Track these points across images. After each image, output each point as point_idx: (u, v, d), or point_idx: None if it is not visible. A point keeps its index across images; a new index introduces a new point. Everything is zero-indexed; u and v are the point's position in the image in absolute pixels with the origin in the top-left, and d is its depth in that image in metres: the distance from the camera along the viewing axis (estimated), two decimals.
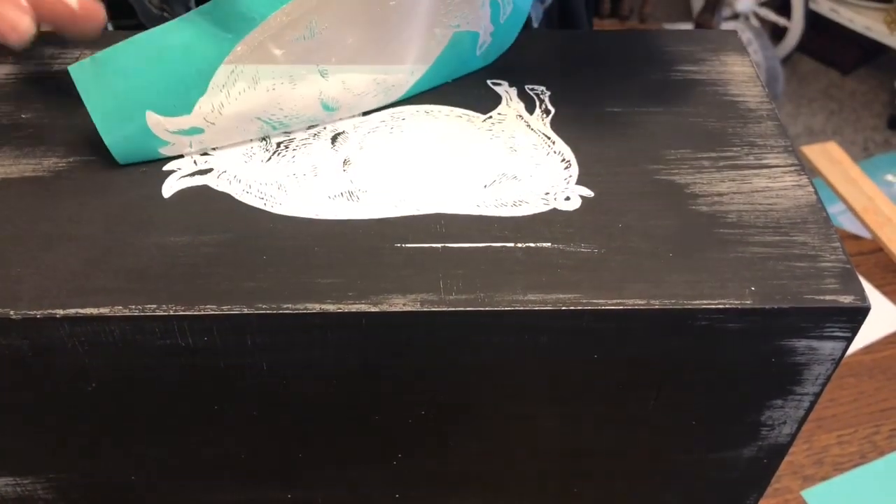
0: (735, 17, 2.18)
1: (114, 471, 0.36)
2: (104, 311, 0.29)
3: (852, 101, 2.15)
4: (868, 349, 0.66)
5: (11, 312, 0.29)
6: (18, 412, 0.33)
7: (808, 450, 0.59)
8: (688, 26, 2.00)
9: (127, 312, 0.29)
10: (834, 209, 0.85)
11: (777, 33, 2.27)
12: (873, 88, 2.19)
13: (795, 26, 2.18)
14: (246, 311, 0.29)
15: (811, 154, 0.86)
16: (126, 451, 0.35)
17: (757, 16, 2.26)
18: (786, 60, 2.24)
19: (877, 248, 0.77)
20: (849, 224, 0.83)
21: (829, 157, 0.86)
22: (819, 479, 0.58)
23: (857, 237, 0.79)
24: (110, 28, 0.53)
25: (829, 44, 2.23)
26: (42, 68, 0.40)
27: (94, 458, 0.36)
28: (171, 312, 0.29)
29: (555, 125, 0.38)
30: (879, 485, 0.58)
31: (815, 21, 2.17)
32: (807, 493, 0.57)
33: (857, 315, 0.30)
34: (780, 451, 0.37)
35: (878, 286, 0.72)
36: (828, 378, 0.33)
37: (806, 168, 0.36)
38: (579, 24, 0.74)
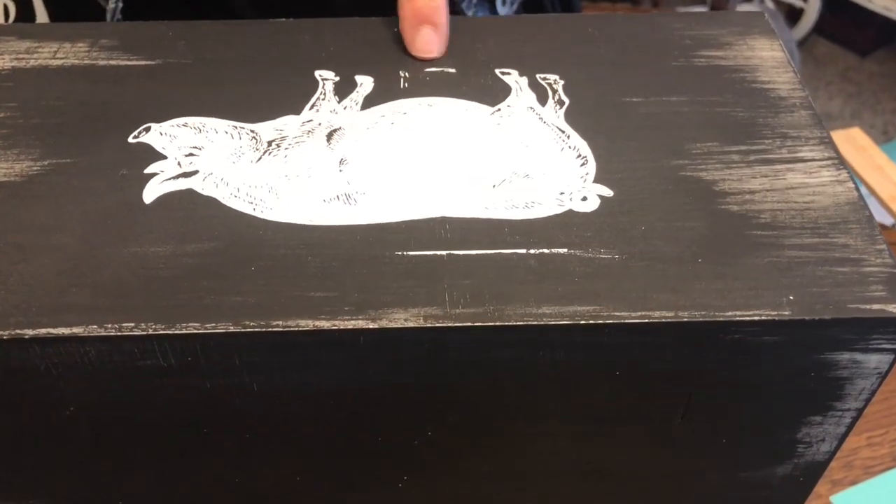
0: None
1: (98, 497, 0.34)
2: (77, 331, 0.27)
3: (871, 84, 2.11)
4: None
5: None
6: None
7: (837, 452, 0.57)
8: (703, 10, 1.97)
9: (102, 332, 0.27)
10: None
11: (793, 15, 2.23)
12: (892, 70, 2.15)
13: (812, 7, 2.15)
14: (232, 329, 0.27)
15: (835, 140, 0.83)
16: (111, 477, 0.33)
17: None
18: (802, 43, 2.20)
19: None
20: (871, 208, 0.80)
21: (853, 143, 0.83)
22: (848, 484, 0.56)
23: (882, 226, 0.76)
24: (119, 14, 0.49)
25: (846, 25, 2.19)
26: (17, 64, 0.37)
27: (77, 484, 0.34)
28: (150, 332, 0.27)
29: (569, 117, 0.35)
30: None
31: (832, 2, 2.14)
32: (836, 498, 0.55)
33: None
34: (817, 468, 0.34)
35: None
36: (873, 392, 0.30)
37: (844, 162, 0.33)
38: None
